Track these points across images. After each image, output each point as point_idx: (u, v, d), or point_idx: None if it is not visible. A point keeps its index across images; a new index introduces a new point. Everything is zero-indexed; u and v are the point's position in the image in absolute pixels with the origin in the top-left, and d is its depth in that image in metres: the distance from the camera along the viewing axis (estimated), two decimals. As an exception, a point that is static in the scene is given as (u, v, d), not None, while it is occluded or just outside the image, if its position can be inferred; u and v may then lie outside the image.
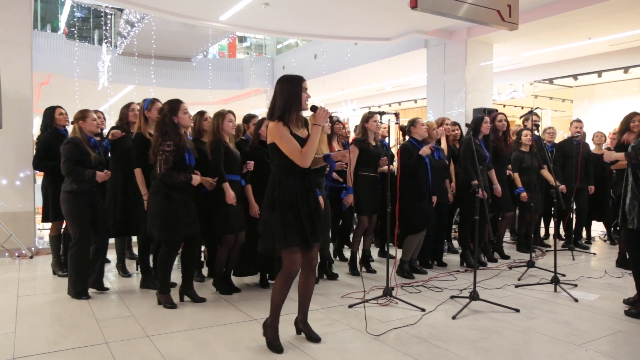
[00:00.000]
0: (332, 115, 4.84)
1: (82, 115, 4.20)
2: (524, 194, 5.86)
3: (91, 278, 4.31)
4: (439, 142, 5.83)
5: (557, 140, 7.03)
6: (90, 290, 4.27)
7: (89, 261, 4.21)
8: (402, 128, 5.08)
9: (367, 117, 5.02)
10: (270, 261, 4.45)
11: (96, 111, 4.92)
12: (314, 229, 3.00)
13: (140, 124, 4.36)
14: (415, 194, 4.81)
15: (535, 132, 5.64)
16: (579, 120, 6.71)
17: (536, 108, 5.43)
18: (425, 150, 4.67)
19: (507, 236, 7.07)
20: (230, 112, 4.33)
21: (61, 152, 4.12)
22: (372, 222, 5.15)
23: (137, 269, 5.19)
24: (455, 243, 6.51)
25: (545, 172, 6.20)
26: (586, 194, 6.60)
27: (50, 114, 4.96)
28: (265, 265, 4.54)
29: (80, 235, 4.09)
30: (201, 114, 4.55)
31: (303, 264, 3.09)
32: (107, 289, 4.39)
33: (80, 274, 4.14)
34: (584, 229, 6.95)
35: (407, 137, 5.08)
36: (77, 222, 4.10)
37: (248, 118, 4.86)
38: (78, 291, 4.14)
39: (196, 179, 3.92)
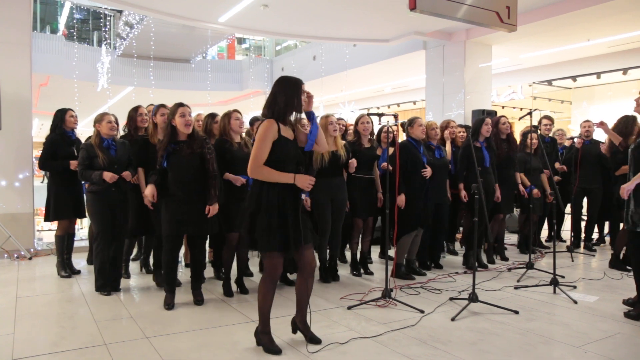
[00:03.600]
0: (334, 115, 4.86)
1: (100, 118, 4.43)
2: (535, 191, 5.87)
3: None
4: (443, 142, 5.83)
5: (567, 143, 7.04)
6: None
7: (110, 258, 4.40)
8: (401, 125, 5.09)
9: (357, 120, 5.07)
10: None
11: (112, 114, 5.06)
12: (300, 232, 2.95)
13: (150, 130, 4.55)
14: (409, 193, 4.81)
15: (537, 134, 5.67)
16: (587, 120, 6.71)
17: (535, 109, 5.43)
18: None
19: (509, 238, 7.07)
20: (237, 110, 4.41)
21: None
22: (367, 224, 5.15)
23: (141, 270, 5.23)
24: (456, 245, 6.52)
25: (543, 177, 6.20)
26: (599, 195, 6.54)
27: (61, 115, 5.01)
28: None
29: (100, 232, 4.33)
30: (212, 116, 4.68)
31: (301, 266, 3.09)
32: (120, 289, 4.47)
33: (101, 269, 4.35)
34: (594, 231, 6.93)
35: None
36: (97, 220, 4.37)
37: (253, 121, 4.88)
38: (98, 285, 4.38)
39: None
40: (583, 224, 6.80)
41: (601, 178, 6.49)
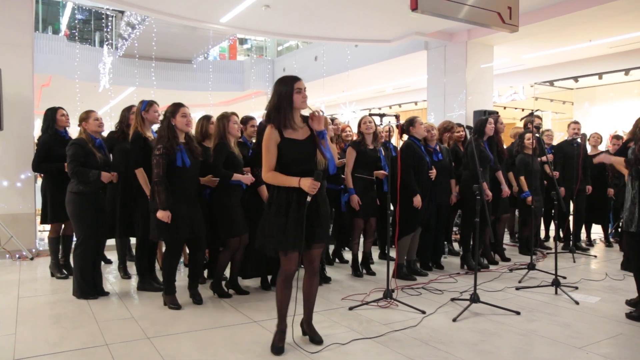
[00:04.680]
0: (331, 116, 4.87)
1: (86, 115, 4.29)
2: (529, 198, 5.86)
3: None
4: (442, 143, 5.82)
5: (555, 142, 7.06)
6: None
7: (94, 262, 4.27)
8: (399, 126, 5.07)
9: (360, 121, 5.09)
10: (272, 264, 4.43)
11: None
12: (313, 230, 2.98)
13: (137, 125, 4.37)
14: (410, 195, 4.80)
15: (537, 135, 5.66)
16: (576, 122, 6.75)
17: (536, 110, 5.44)
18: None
19: (506, 239, 7.07)
20: (234, 113, 4.35)
21: (67, 153, 4.17)
22: (370, 224, 5.14)
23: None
24: (455, 245, 6.51)
25: (546, 168, 6.19)
26: (584, 196, 6.62)
27: (52, 115, 4.92)
28: (267, 268, 4.54)
29: (84, 236, 4.15)
30: (207, 118, 4.61)
31: (305, 265, 3.11)
32: (107, 293, 4.36)
33: (86, 274, 4.19)
34: (583, 231, 6.97)
35: (404, 136, 5.08)
36: (82, 223, 4.16)
37: (246, 120, 4.85)
38: (84, 291, 4.18)
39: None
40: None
41: (585, 179, 6.58)
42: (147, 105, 4.43)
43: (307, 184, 2.89)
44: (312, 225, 2.99)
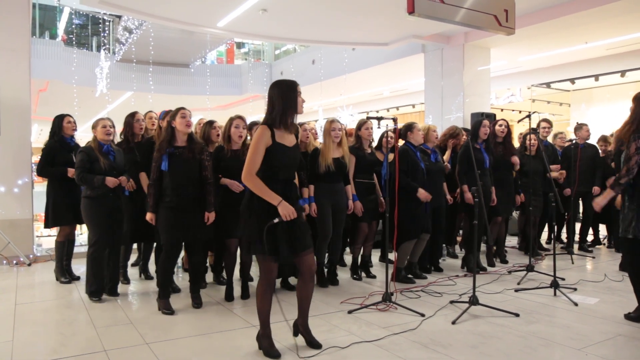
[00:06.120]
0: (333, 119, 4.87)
1: (96, 124, 4.45)
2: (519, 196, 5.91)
3: (105, 283, 4.47)
4: (443, 149, 5.81)
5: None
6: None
7: (105, 263, 4.39)
8: (398, 131, 5.08)
9: (360, 125, 5.06)
10: (281, 268, 4.43)
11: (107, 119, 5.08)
12: (295, 238, 2.95)
13: (156, 134, 4.55)
14: (411, 201, 4.80)
15: (536, 136, 5.69)
16: (586, 124, 6.78)
17: (534, 112, 5.44)
18: None
19: (512, 241, 7.06)
20: (239, 117, 4.39)
21: (75, 161, 4.40)
22: (371, 228, 5.14)
23: (140, 276, 5.20)
24: (456, 247, 6.51)
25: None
26: (591, 197, 6.61)
27: (58, 122, 5.01)
28: (281, 272, 4.55)
29: (97, 237, 4.29)
30: (210, 123, 4.68)
31: (302, 270, 3.08)
32: (118, 294, 4.45)
33: (96, 274, 4.30)
34: (589, 232, 6.97)
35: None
36: (95, 226, 4.32)
37: (251, 126, 4.86)
38: (92, 291, 4.30)
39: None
40: (578, 225, 6.83)
41: (595, 181, 6.58)
42: (164, 114, 4.61)
43: (286, 211, 2.85)
44: (295, 237, 2.95)
